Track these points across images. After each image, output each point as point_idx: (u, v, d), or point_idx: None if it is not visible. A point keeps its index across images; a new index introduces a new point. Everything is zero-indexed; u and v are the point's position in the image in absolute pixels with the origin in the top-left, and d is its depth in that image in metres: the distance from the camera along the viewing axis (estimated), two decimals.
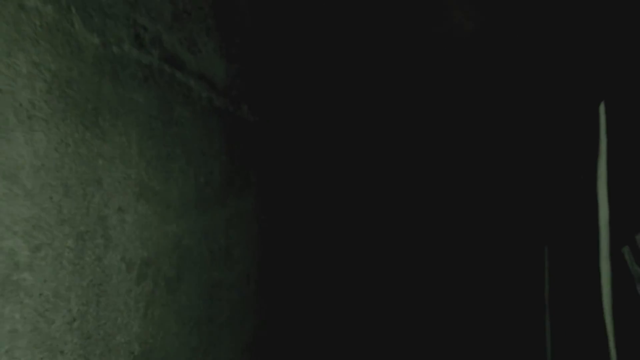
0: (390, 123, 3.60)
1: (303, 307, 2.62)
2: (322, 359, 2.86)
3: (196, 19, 1.71)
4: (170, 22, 1.54)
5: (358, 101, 3.56)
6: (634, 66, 1.74)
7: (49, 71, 1.05)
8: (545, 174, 2.77)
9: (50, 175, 1.04)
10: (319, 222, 2.95)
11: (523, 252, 3.06)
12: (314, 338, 2.73)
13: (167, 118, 1.54)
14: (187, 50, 1.64)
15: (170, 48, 1.55)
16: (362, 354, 3.45)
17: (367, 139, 3.61)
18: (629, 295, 1.63)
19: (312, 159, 2.97)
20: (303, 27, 2.82)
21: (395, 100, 3.57)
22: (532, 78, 2.92)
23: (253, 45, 2.24)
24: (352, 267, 3.47)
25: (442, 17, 2.53)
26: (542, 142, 2.85)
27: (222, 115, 1.92)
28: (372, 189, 3.62)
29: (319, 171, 3.03)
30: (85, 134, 1.16)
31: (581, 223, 2.12)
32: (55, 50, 1.07)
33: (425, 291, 3.44)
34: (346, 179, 3.45)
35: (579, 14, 2.45)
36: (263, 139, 2.31)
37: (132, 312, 1.28)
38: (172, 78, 1.59)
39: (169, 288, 1.44)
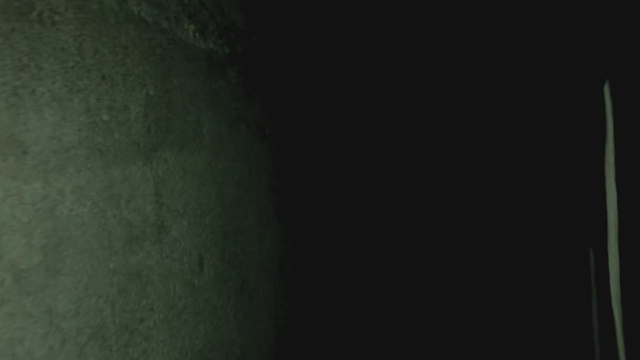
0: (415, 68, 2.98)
1: (281, 302, 2.03)
2: None
3: None
4: None
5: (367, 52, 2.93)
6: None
7: None
8: (559, 164, 2.61)
9: None
10: (303, 187, 2.35)
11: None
12: (303, 342, 2.16)
13: None
14: None
15: None
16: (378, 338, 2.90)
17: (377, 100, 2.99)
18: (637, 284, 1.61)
19: (297, 109, 2.35)
20: None
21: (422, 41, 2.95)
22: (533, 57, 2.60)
23: None
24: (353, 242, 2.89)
25: None
26: (552, 131, 2.65)
27: (145, 29, 1.30)
28: (380, 155, 3.01)
29: (305, 125, 2.42)
30: None
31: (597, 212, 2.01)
32: None
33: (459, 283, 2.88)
34: (340, 140, 2.84)
35: None
36: (224, 77, 1.70)
37: None
38: None
39: (24, 287, 0.85)
